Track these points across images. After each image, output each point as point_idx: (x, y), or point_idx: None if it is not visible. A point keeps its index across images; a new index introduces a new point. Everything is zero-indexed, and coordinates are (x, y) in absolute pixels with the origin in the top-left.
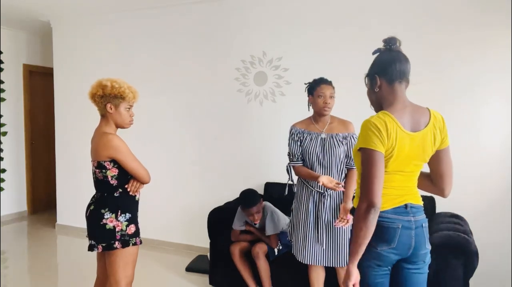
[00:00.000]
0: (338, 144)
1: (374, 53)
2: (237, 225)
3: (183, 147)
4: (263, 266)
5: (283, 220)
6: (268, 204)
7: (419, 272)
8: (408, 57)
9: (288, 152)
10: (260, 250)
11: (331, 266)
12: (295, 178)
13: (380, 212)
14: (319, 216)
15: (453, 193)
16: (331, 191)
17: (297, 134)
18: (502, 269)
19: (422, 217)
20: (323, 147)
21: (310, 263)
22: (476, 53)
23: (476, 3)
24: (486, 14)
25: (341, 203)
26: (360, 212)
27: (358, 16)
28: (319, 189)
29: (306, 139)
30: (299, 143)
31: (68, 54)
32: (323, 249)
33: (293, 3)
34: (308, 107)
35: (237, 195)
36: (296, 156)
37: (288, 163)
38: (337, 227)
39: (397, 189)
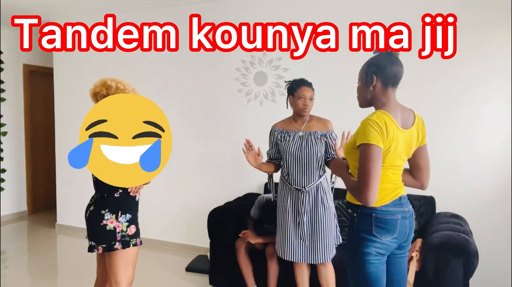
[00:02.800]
0: (316, 141)
1: (374, 52)
2: (254, 213)
3: (183, 147)
4: (274, 267)
5: None
6: None
7: (404, 255)
8: (410, 58)
9: (267, 151)
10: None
11: (312, 263)
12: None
13: (382, 206)
14: (299, 213)
15: (453, 193)
16: (309, 188)
17: (275, 134)
18: (502, 269)
19: (411, 206)
20: (301, 145)
21: (292, 260)
22: (476, 54)
23: (475, 6)
24: (486, 16)
25: (320, 199)
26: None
27: (358, 17)
28: (296, 185)
29: (284, 138)
30: (274, 142)
31: (68, 54)
32: (306, 246)
33: (293, 2)
34: (287, 106)
35: (237, 195)
36: (269, 154)
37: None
38: (319, 224)
39: (392, 183)
